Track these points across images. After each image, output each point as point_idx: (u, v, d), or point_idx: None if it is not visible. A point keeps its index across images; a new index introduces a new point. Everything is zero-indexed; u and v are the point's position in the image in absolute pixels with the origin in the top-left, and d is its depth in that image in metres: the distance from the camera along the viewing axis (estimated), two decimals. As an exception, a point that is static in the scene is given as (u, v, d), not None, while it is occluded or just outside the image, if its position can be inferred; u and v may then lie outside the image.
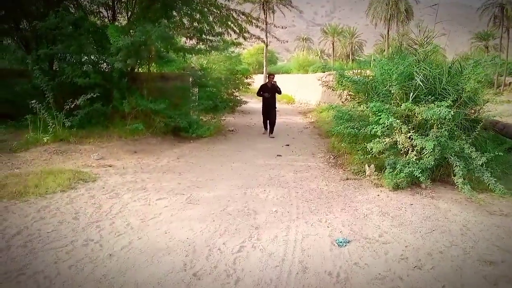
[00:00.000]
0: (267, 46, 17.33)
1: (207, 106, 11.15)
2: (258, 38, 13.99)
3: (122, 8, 11.35)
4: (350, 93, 9.51)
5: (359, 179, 6.57)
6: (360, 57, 58.76)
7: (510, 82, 30.27)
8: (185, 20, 11.33)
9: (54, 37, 9.14)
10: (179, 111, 9.77)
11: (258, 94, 11.48)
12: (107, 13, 10.61)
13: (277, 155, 8.54)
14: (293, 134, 11.88)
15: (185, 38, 11.65)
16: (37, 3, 9.96)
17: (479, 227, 4.44)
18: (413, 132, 5.83)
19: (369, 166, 6.77)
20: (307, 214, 4.78)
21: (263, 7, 30.21)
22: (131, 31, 9.26)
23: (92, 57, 9.50)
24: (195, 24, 10.94)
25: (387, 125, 6.05)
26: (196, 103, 11.08)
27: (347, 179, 6.55)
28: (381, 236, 4.16)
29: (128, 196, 5.35)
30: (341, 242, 3.92)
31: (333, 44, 59.55)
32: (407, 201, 5.40)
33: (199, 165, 7.40)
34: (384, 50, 49.15)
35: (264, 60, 33.11)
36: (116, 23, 10.21)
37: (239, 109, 18.68)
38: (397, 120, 5.85)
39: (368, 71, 8.67)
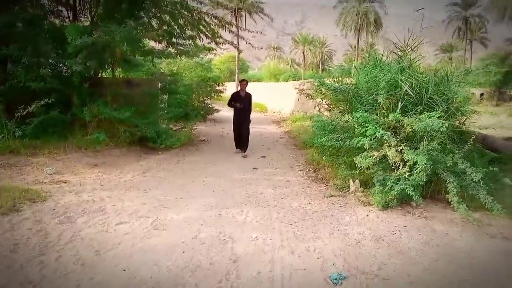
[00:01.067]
0: (239, 52, 16.68)
1: (177, 114, 10.40)
2: (232, 43, 13.40)
3: (85, 8, 10.51)
4: (328, 102, 9.05)
5: (344, 195, 6.03)
6: (330, 66, 59.57)
7: (480, 94, 30.96)
8: (154, 23, 10.59)
9: (7, 37, 8.19)
10: (146, 119, 8.99)
11: (229, 104, 9.40)
12: (68, 13, 9.72)
13: (253, 168, 7.92)
14: (268, 144, 11.29)
15: (154, 42, 10.89)
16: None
17: (485, 255, 3.96)
18: (404, 146, 5.34)
19: (353, 182, 6.25)
20: (293, 241, 4.16)
21: (234, 14, 29.73)
22: (93, 32, 8.45)
23: (50, 60, 8.59)
24: (165, 27, 10.22)
25: (375, 138, 5.55)
26: (165, 111, 10.32)
27: (331, 195, 5.99)
28: (380, 269, 3.59)
29: (82, 220, 4.56)
30: (335, 279, 3.32)
31: (303, 53, 59.80)
32: (400, 222, 4.88)
33: (168, 180, 6.67)
34: (354, 59, 49.81)
35: (236, 68, 32.57)
36: (79, 24, 9.35)
37: (211, 117, 17.99)
38: (387, 133, 5.35)
39: (348, 79, 8.22)
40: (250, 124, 9.59)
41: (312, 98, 9.43)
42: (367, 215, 5.13)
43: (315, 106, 17.16)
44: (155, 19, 10.51)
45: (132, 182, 6.40)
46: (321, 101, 9.26)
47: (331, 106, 9.00)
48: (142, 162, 7.95)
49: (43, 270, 3.34)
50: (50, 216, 4.66)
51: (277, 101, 23.83)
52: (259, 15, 33.61)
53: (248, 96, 9.47)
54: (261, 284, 3.23)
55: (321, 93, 8.68)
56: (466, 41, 47.83)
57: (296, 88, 10.69)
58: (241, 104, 9.23)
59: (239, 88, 9.59)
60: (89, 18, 9.90)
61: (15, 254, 3.62)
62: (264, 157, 9.24)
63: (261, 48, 23.95)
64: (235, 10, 30.45)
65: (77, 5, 9.62)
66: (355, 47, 50.48)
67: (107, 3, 9.60)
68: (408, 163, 5.21)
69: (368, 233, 4.48)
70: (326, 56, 64.43)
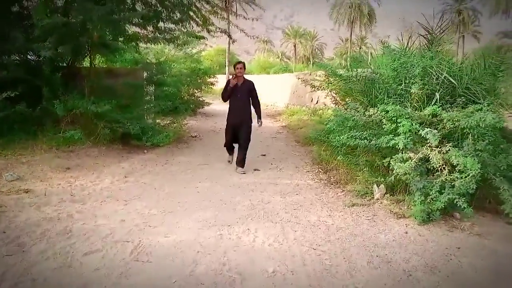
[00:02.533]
0: (232, 41, 15.51)
1: (166, 107, 9.20)
2: (224, 32, 12.24)
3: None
4: (336, 94, 8.00)
5: (368, 204, 4.98)
6: (320, 60, 58.49)
7: None
8: (138, 7, 9.37)
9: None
10: (129, 114, 7.80)
11: (224, 97, 6.75)
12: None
13: (254, 170, 6.83)
14: (267, 140, 10.21)
15: (139, 28, 9.67)
16: None
17: None
18: (450, 146, 4.29)
19: (378, 186, 5.22)
20: (324, 276, 3.09)
21: (226, 4, 28.47)
22: (67, 13, 7.24)
23: (17, 45, 7.34)
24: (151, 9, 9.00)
25: (411, 136, 4.50)
26: (152, 104, 9.13)
27: (353, 204, 4.94)
28: (456, 323, 2.55)
29: (39, 248, 3.42)
30: None
31: (294, 46, 58.71)
32: (450, 242, 3.85)
33: (154, 186, 5.54)
34: (345, 53, 48.86)
35: (227, 60, 31.36)
36: (50, 4, 8.09)
37: (202, 111, 16.83)
38: (432, 130, 4.30)
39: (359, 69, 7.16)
40: (253, 126, 6.76)
41: (317, 90, 8.35)
42: (406, 232, 4.09)
43: (312, 99, 16.20)
44: (139, 2, 9.29)
45: (110, 190, 5.25)
46: (329, 93, 8.22)
47: (339, 99, 7.97)
48: (124, 163, 6.79)
49: None
50: (-3, 242, 3.51)
51: (270, 94, 22.72)
52: (250, 6, 32.40)
53: (248, 85, 6.71)
54: None
55: (330, 83, 7.65)
56: (459, 34, 47.15)
57: (298, 79, 9.56)
58: (240, 96, 6.63)
59: (231, 77, 6.70)
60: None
61: None
62: (265, 155, 8.15)
63: (256, 37, 22.78)
64: (226, 1, 29.21)
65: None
66: (346, 40, 49.63)
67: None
68: (457, 168, 4.16)
69: (417, 260, 3.43)
70: (316, 50, 63.47)
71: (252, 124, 6.77)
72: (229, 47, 31.16)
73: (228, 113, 6.77)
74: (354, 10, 40.56)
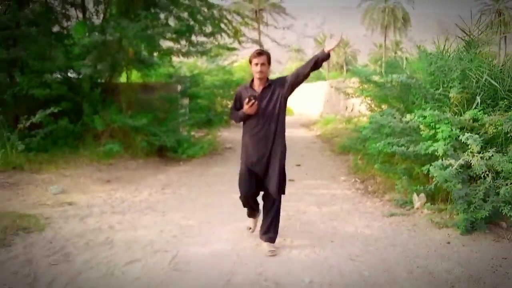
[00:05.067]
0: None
1: (200, 120, 9.38)
2: (256, 41, 12.37)
3: (98, 9, 9.66)
4: (370, 101, 7.87)
5: (408, 214, 4.85)
6: (353, 67, 57.77)
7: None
8: (171, 22, 9.65)
9: (13, 40, 7.37)
10: (165, 127, 8.02)
11: (236, 118, 3.89)
12: (77, 13, 8.88)
13: (290, 180, 6.76)
14: (301, 150, 10.15)
15: (172, 43, 9.94)
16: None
17: None
18: (493, 151, 4.11)
19: (417, 195, 5.06)
20: (362, 288, 3.02)
21: (256, 15, 28.81)
22: (104, 30, 7.56)
23: (58, 64, 7.71)
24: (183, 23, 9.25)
25: (450, 142, 4.36)
26: (186, 117, 9.33)
27: (392, 214, 4.83)
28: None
29: (83, 258, 3.54)
30: None
31: (327, 54, 58.31)
32: (496, 253, 3.67)
33: (190, 198, 5.64)
34: (380, 59, 48.02)
35: (258, 71, 31.51)
36: (87, 23, 8.48)
37: (234, 122, 16.97)
38: (474, 135, 4.15)
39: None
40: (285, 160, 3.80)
41: (351, 97, 8.27)
42: (448, 242, 3.94)
43: (346, 107, 16.00)
44: (172, 17, 9.57)
45: (148, 202, 5.38)
46: (362, 100, 8.12)
47: (374, 106, 7.85)
48: (160, 175, 6.95)
49: None
50: (44, 252, 3.66)
51: (304, 104, 22.67)
52: (280, 16, 32.60)
53: (273, 89, 3.64)
54: None
55: (364, 90, 7.55)
56: (500, 35, 45.24)
57: (331, 87, 9.49)
58: (262, 115, 3.61)
59: (244, 87, 3.86)
60: (100, 18, 9.04)
61: (-16, 317, 2.62)
62: (300, 165, 8.11)
63: (288, 46, 22.81)
64: (256, 11, 29.56)
65: (86, 4, 8.73)
66: (380, 46, 48.79)
67: (121, 2, 8.72)
68: (502, 174, 3.98)
69: (460, 271, 3.29)
70: (350, 57, 62.79)
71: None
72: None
73: (243, 144, 3.75)
74: (388, 14, 39.94)
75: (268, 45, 17.51)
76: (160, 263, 3.46)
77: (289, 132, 12.68)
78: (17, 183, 5.94)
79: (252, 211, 3.97)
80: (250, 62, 3.58)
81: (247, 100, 3.49)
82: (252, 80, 3.67)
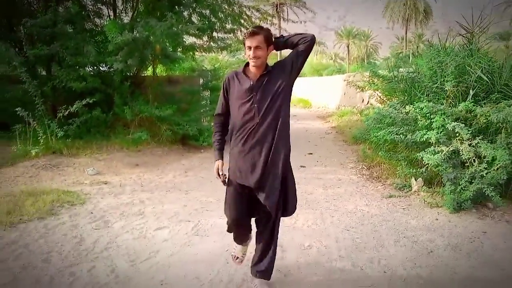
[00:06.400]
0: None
1: (220, 111, 10.00)
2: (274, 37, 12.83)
3: (127, 6, 10.36)
4: (379, 93, 8.30)
5: (405, 196, 5.35)
6: (376, 60, 57.28)
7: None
8: (194, 19, 10.28)
9: (50, 37, 8.14)
10: (188, 117, 8.69)
11: (220, 117, 2.96)
12: (108, 12, 9.61)
13: (300, 166, 7.36)
14: (315, 140, 10.67)
15: (194, 38, 10.58)
16: (34, 2, 9.03)
17: None
18: (479, 139, 4.58)
19: (415, 180, 5.56)
20: (352, 251, 3.59)
21: (276, 10, 29.15)
22: (134, 28, 8.24)
23: (91, 59, 8.46)
24: (205, 21, 9.87)
25: (443, 131, 4.84)
26: (208, 108, 9.98)
27: (390, 196, 5.34)
28: (464, 286, 2.94)
29: (120, 224, 4.24)
30: (411, 300, 2.72)
31: (348, 47, 58.06)
32: (477, 228, 4.16)
33: (210, 180, 6.26)
34: (401, 52, 47.51)
35: (278, 64, 31.86)
36: (118, 21, 9.20)
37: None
38: (460, 124, 4.62)
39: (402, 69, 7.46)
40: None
41: (362, 90, 8.73)
42: (436, 219, 4.45)
43: (363, 100, 16.34)
44: (195, 14, 10.19)
45: (173, 183, 6.06)
46: (373, 93, 8.56)
47: (384, 98, 8.28)
48: (184, 161, 7.63)
49: (74, 283, 3.00)
50: (87, 220, 4.37)
51: (322, 96, 23.02)
52: (301, 9, 32.85)
53: (273, 76, 2.70)
54: (320, 306, 2.71)
55: (373, 84, 8.00)
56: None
57: (344, 80, 9.94)
58: (251, 103, 2.68)
59: (230, 74, 2.90)
60: (129, 16, 9.74)
61: (46, 264, 3.31)
62: (312, 154, 8.65)
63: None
64: (276, 5, 29.88)
65: (117, 3, 9.46)
66: (402, 38, 48.27)
67: (148, 1, 9.39)
68: (485, 159, 4.46)
69: (441, 241, 3.82)
70: (371, 50, 62.22)
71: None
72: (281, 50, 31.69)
73: (232, 153, 2.84)
74: (409, 7, 39.57)
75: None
76: (184, 229, 4.11)
77: (306, 124, 13.18)
78: (58, 165, 6.72)
79: (242, 237, 3.07)
80: (244, 45, 2.69)
81: (219, 174, 2.82)
82: (247, 65, 2.75)
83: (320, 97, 23.45)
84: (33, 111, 7.30)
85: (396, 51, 60.35)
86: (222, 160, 2.85)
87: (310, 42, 2.67)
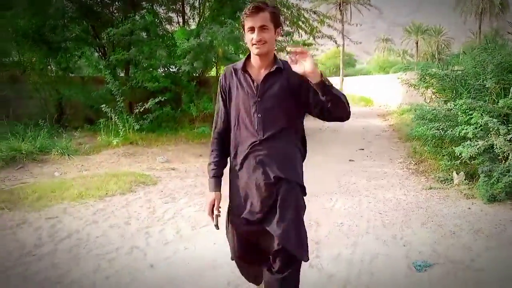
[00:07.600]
0: (340, 46, 16.40)
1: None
2: (330, 38, 13.28)
3: (194, 13, 11.43)
4: (434, 91, 8.46)
5: (445, 188, 5.64)
6: (447, 56, 54.54)
7: None
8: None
9: (129, 43, 9.37)
10: (246, 113, 9.48)
11: (219, 132, 2.20)
12: (177, 18, 10.71)
13: (350, 160, 7.81)
14: (370, 137, 10.96)
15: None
16: (114, 12, 10.37)
17: None
18: (514, 133, 4.81)
19: (457, 174, 5.81)
20: (379, 229, 4.08)
21: (339, 8, 29.20)
22: (199, 33, 9.20)
23: (163, 61, 9.57)
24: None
25: (481, 126, 5.09)
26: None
27: (430, 188, 5.66)
28: (473, 260, 3.34)
29: (184, 201, 5.08)
30: (419, 265, 3.20)
31: (416, 43, 55.94)
32: (506, 216, 4.42)
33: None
34: (475, 47, 44.75)
35: (341, 62, 31.96)
36: (186, 27, 10.24)
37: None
38: (494, 119, 4.87)
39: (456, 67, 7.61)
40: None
41: (415, 88, 8.91)
42: (469, 208, 4.75)
43: (425, 98, 16.15)
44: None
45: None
46: (425, 91, 8.73)
47: (437, 96, 8.44)
48: (242, 153, 8.42)
49: (148, 239, 3.84)
50: (158, 196, 5.27)
51: (384, 94, 22.81)
52: (366, 7, 32.47)
53: (285, 79, 1.96)
54: (339, 265, 3.27)
55: (424, 81, 8.20)
56: None
57: (398, 78, 10.14)
58: (254, 112, 2.00)
59: (224, 73, 2.14)
60: (196, 22, 10.76)
61: (127, 225, 4.21)
62: (363, 149, 9.02)
63: (360, 43, 22.86)
64: (339, 4, 29.91)
65: (186, 11, 10.52)
66: (477, 33, 45.63)
67: (212, 8, 10.34)
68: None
69: (466, 226, 4.17)
70: (443, 45, 59.32)
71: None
72: (343, 48, 31.69)
73: (232, 177, 2.30)
74: (483, 1, 37.37)
75: (356, 36, 18.08)
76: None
77: (364, 122, 13.59)
78: (134, 154, 7.82)
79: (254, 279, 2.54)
80: (243, 27, 1.97)
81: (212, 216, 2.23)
82: (248, 58, 2.04)
83: (382, 95, 23.25)
84: (114, 107, 8.51)
85: (471, 46, 56.98)
86: (220, 191, 2.22)
87: (341, 114, 1.96)
